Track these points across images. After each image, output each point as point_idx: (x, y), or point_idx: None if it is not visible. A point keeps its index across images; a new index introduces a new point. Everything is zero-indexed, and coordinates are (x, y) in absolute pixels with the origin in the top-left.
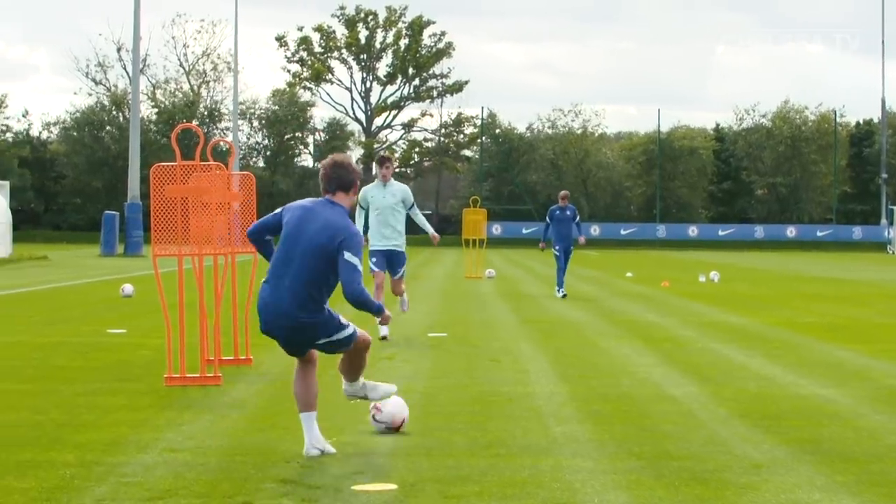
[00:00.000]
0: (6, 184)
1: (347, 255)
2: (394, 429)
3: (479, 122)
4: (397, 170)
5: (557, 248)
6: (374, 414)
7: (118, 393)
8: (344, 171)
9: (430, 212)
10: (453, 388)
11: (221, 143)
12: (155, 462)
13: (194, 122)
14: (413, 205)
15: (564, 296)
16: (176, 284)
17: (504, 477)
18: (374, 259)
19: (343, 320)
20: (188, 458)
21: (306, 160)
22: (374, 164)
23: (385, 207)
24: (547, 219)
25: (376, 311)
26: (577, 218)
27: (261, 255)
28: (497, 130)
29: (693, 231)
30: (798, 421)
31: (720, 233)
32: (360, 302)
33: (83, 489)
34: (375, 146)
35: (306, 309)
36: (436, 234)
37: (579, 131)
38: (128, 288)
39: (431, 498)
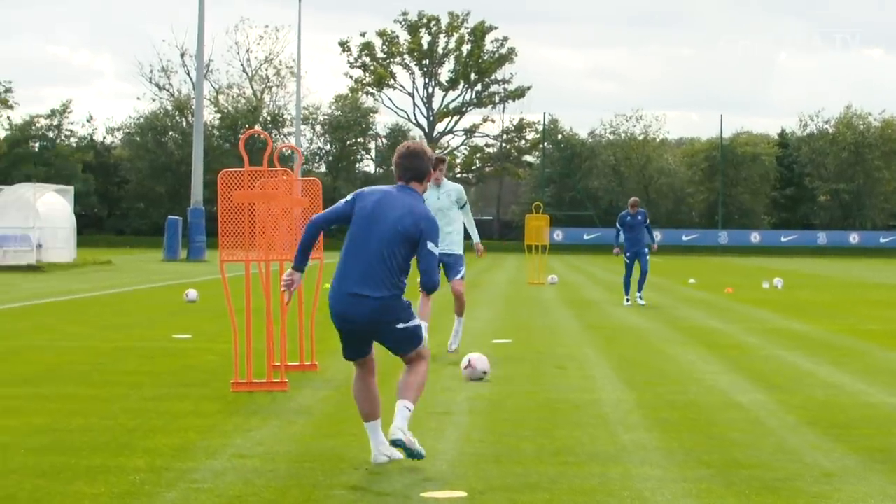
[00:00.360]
0: (71, 189)
1: (430, 245)
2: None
3: (540, 128)
4: (460, 175)
5: (628, 254)
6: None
7: (185, 398)
8: (419, 161)
9: (491, 217)
10: (519, 394)
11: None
12: (224, 468)
13: (257, 128)
14: (466, 204)
15: (631, 303)
16: (241, 289)
17: (573, 485)
18: None
19: (413, 310)
20: (257, 465)
21: (368, 165)
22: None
23: (439, 210)
24: (617, 225)
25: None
26: (648, 222)
27: (304, 243)
28: (559, 136)
29: (755, 237)
30: (868, 429)
31: (782, 239)
32: (434, 290)
33: (154, 495)
34: (437, 151)
35: (387, 287)
36: (480, 246)
37: (641, 137)
38: (192, 293)
39: None
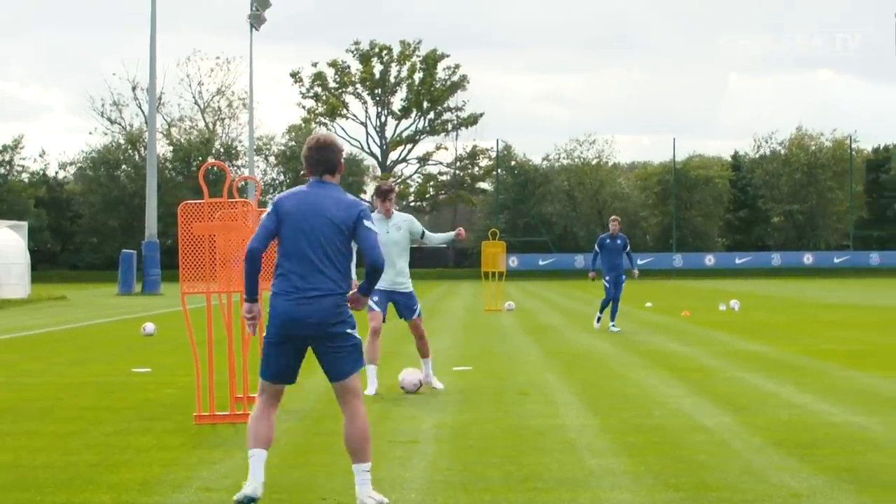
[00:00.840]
0: (24, 224)
1: (367, 223)
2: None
3: (493, 155)
4: (414, 204)
5: (608, 278)
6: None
7: (148, 432)
8: (329, 152)
9: (445, 245)
10: (484, 421)
11: (243, 180)
12: (191, 501)
13: (210, 159)
14: (423, 232)
15: (601, 326)
16: (201, 321)
17: None
18: (374, 297)
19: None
20: (224, 498)
21: None
22: (373, 196)
23: (390, 244)
24: (596, 247)
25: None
26: (628, 248)
27: (250, 272)
28: (512, 162)
29: (710, 260)
30: (833, 449)
31: (737, 261)
32: (381, 268)
33: None
34: (391, 180)
35: (334, 282)
36: (461, 230)
37: (594, 162)
38: (149, 326)
39: None
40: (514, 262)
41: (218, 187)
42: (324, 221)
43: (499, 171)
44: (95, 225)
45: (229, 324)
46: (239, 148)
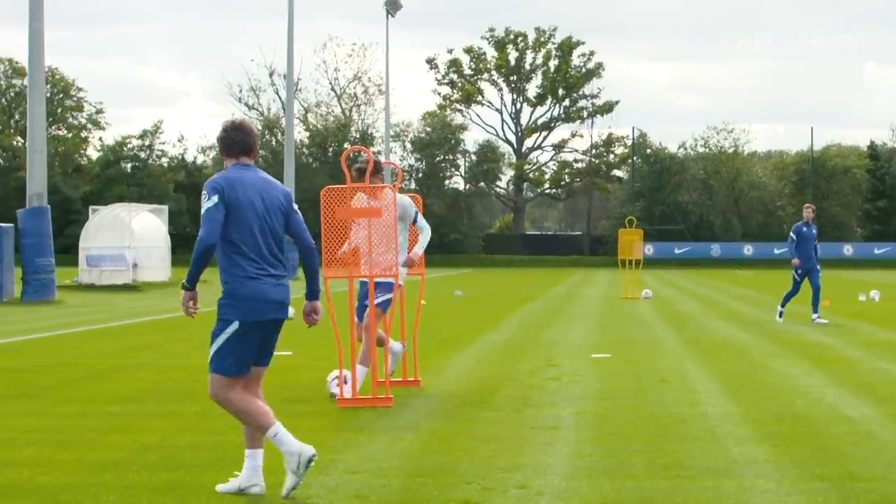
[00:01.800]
0: (165, 208)
1: (295, 206)
2: None
3: (629, 142)
4: (549, 191)
5: (799, 271)
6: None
7: (291, 415)
8: (245, 135)
9: (581, 232)
10: (625, 408)
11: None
12: (336, 483)
13: (346, 145)
14: (417, 214)
15: (783, 319)
16: (344, 306)
17: (688, 499)
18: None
19: None
20: (369, 480)
21: (458, 182)
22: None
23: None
24: (793, 235)
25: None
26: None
27: (201, 262)
28: (648, 150)
29: (848, 250)
30: None
31: (876, 251)
32: (316, 256)
33: None
34: (526, 167)
35: (286, 268)
36: (417, 256)
37: (730, 150)
38: (290, 310)
39: None
40: (649, 250)
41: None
42: (269, 204)
43: (634, 158)
44: None
45: (372, 308)
46: (375, 134)
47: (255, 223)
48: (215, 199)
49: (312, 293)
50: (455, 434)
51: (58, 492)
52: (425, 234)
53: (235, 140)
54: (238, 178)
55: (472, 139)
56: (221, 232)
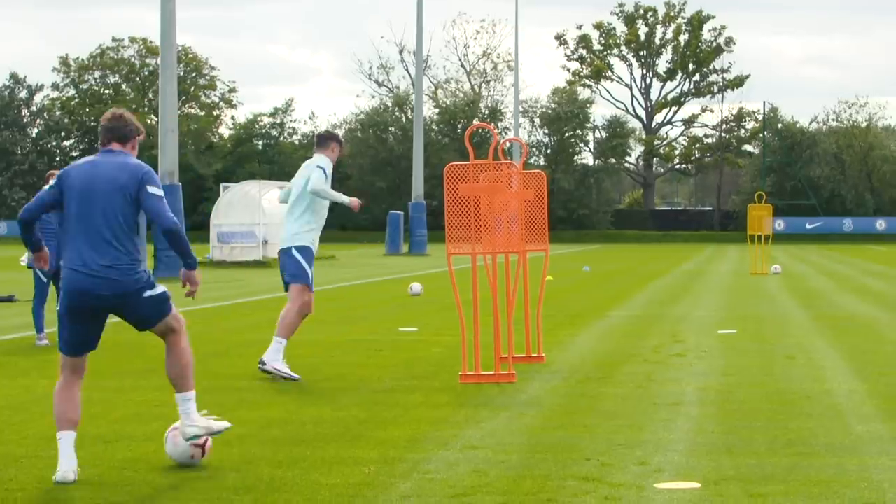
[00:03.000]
0: None
1: (151, 189)
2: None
3: (760, 117)
4: (679, 166)
5: None
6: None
7: (415, 390)
8: (119, 122)
9: (711, 207)
10: (749, 385)
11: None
12: (456, 459)
13: (475, 121)
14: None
15: None
16: (467, 282)
17: (809, 476)
18: (309, 269)
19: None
20: (489, 456)
21: (586, 158)
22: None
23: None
24: None
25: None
26: None
27: (27, 240)
28: (779, 125)
29: None
30: None
31: None
32: (180, 235)
33: (388, 485)
34: (656, 143)
35: (124, 252)
36: (354, 201)
37: (864, 124)
38: (416, 286)
39: (736, 497)
40: (780, 225)
41: (484, 149)
42: (109, 189)
43: (765, 133)
44: (364, 186)
45: (494, 284)
46: (504, 110)
47: (89, 210)
48: (53, 181)
49: (186, 264)
50: (576, 410)
51: (180, 466)
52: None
53: (107, 127)
54: (86, 163)
55: (601, 115)
56: (42, 214)
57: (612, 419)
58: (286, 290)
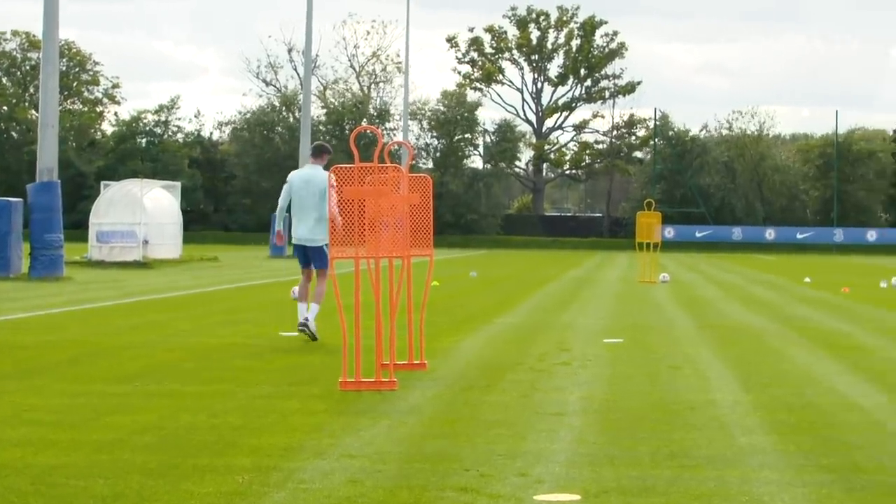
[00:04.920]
0: (177, 185)
1: None
2: None
3: (651, 124)
4: (568, 172)
5: None
6: None
7: (293, 396)
8: None
9: (601, 214)
10: (634, 395)
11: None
12: (332, 468)
13: (363, 123)
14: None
15: None
16: (350, 287)
17: (689, 488)
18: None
19: None
20: (366, 465)
21: (476, 161)
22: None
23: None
24: None
25: None
26: None
27: None
28: (670, 132)
29: (871, 235)
30: None
31: None
32: None
33: (261, 495)
34: (546, 148)
35: None
36: (279, 235)
37: (755, 133)
38: (297, 290)
39: None
40: (669, 232)
41: (370, 152)
42: None
43: (656, 140)
44: (249, 186)
45: (377, 289)
46: (393, 112)
47: None
48: None
49: None
50: (458, 419)
51: (49, 472)
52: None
53: None
54: None
55: (490, 119)
56: None
57: (493, 428)
58: (306, 268)
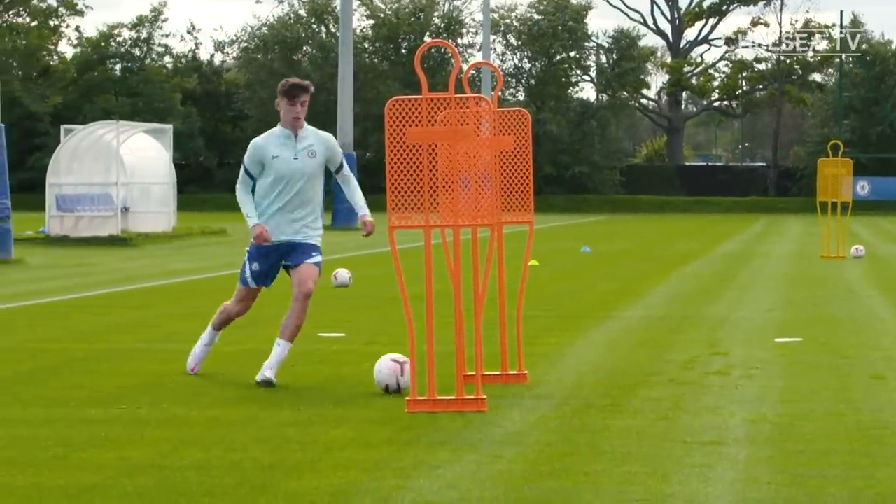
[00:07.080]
0: (168, 128)
1: None
2: None
3: (835, 34)
4: (718, 104)
5: None
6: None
7: (342, 422)
8: None
9: (764, 163)
10: (821, 416)
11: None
12: None
13: (426, 38)
14: (342, 164)
15: None
16: (418, 268)
17: None
18: (256, 265)
19: None
20: None
21: (585, 91)
22: (279, 97)
23: (297, 176)
24: None
25: None
26: None
27: None
28: (863, 45)
29: None
30: None
31: None
32: None
33: None
34: (685, 69)
35: None
36: (369, 219)
37: None
38: (342, 274)
39: None
40: (864, 188)
41: (441, 78)
42: None
43: (843, 57)
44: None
45: (457, 271)
46: (467, 22)
47: None
48: None
49: None
50: (572, 451)
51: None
52: (354, 187)
53: None
54: None
55: (606, 30)
56: None
57: (623, 464)
58: None
